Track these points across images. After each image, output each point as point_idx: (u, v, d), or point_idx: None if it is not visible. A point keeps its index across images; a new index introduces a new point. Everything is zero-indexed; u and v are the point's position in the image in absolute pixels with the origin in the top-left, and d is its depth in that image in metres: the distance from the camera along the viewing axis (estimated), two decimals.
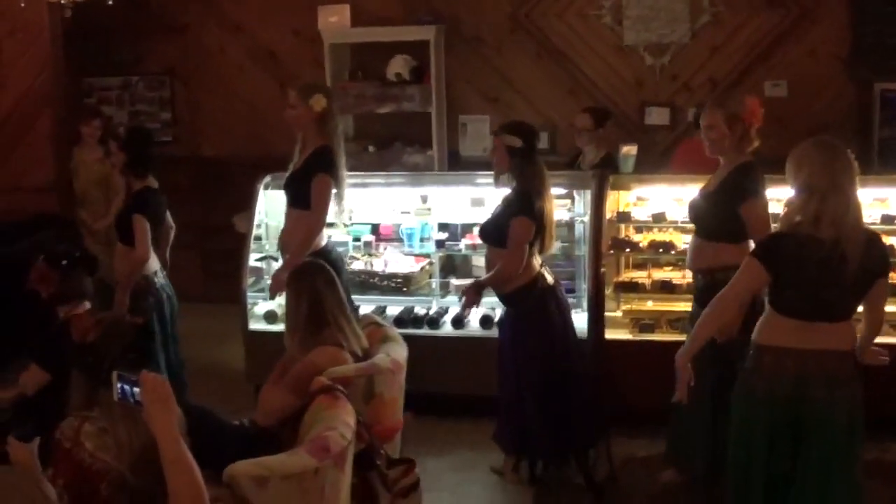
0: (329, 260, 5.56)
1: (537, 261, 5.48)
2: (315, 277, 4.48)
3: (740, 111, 5.21)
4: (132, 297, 5.83)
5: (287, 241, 5.94)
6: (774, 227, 5.35)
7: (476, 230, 6.14)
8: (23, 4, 7.36)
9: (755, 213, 5.14)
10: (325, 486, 3.37)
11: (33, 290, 5.07)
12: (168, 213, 6.37)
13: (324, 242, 5.90)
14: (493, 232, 5.46)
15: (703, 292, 5.22)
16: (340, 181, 5.85)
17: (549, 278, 5.51)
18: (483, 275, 5.66)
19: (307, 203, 5.76)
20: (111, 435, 3.38)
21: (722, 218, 5.19)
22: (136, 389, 3.13)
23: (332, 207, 5.87)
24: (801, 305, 3.98)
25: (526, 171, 5.38)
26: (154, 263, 6.04)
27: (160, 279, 6.08)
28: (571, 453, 5.58)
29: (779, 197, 6.18)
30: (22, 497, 2.57)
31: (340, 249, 6.81)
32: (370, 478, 3.86)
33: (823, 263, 3.90)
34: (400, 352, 4.56)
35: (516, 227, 5.28)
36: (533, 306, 5.42)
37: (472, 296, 5.47)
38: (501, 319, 5.75)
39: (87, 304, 5.02)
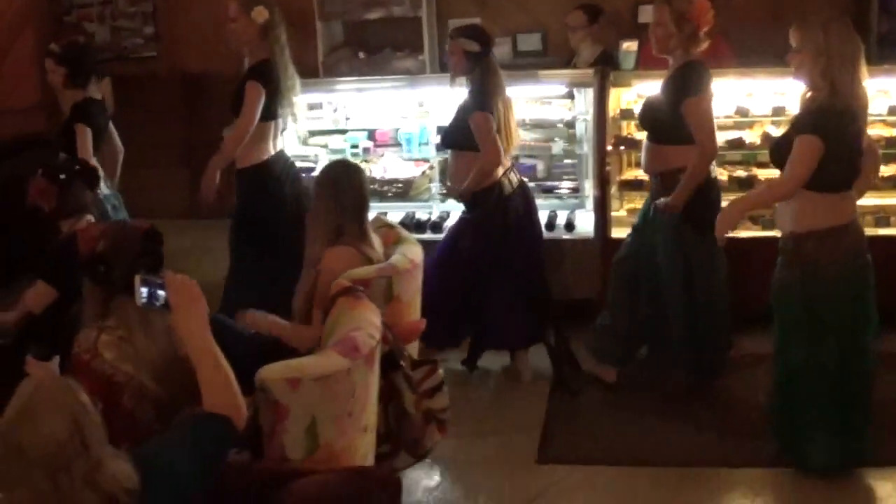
0: (272, 173, 5.71)
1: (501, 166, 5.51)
2: (339, 182, 4.39)
3: (688, 10, 5.09)
4: None
5: (240, 154, 5.86)
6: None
7: None
8: None
9: (696, 112, 5.03)
10: (355, 387, 3.33)
11: (34, 206, 4.96)
12: (116, 136, 6.30)
13: (268, 155, 5.86)
14: (453, 133, 5.56)
15: (660, 194, 5.21)
16: (287, 91, 5.80)
17: (510, 186, 5.53)
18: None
19: None
20: (129, 343, 3.31)
21: (667, 119, 5.11)
22: (162, 292, 3.07)
23: (288, 119, 5.99)
24: (843, 177, 4.08)
25: (482, 74, 5.45)
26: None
27: (104, 189, 5.93)
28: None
29: (780, 90, 6.15)
30: (60, 410, 2.51)
31: (338, 157, 6.71)
32: (395, 378, 3.82)
33: (857, 131, 4.04)
34: (416, 252, 4.52)
35: (478, 121, 5.36)
36: (482, 214, 5.51)
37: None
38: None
39: (91, 218, 4.91)
